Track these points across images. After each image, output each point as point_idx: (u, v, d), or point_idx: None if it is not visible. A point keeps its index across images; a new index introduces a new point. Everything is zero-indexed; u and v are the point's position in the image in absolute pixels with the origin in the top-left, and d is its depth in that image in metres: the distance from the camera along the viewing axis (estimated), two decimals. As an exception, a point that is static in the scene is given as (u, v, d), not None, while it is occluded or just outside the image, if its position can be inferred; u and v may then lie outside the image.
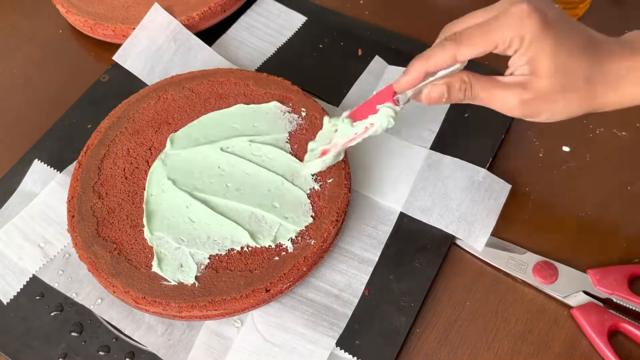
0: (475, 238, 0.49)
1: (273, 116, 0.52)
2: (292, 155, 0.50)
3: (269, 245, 0.46)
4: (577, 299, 0.46)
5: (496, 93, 0.39)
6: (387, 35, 0.62)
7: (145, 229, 0.46)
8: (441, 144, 0.54)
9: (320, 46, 0.62)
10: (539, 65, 0.37)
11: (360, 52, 0.61)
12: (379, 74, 0.59)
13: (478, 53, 0.38)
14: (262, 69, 0.60)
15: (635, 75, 0.37)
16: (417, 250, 0.49)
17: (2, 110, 0.60)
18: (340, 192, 0.48)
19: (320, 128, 0.49)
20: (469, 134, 0.54)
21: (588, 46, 0.37)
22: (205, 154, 0.50)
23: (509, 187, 0.51)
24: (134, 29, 0.60)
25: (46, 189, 0.52)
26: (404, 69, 0.58)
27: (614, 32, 0.61)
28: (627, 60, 0.37)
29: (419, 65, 0.39)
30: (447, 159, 0.52)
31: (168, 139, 0.51)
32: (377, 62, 0.59)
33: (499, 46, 0.37)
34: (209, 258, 0.45)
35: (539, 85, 0.37)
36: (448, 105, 0.56)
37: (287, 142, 0.51)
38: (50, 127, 0.57)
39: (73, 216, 0.48)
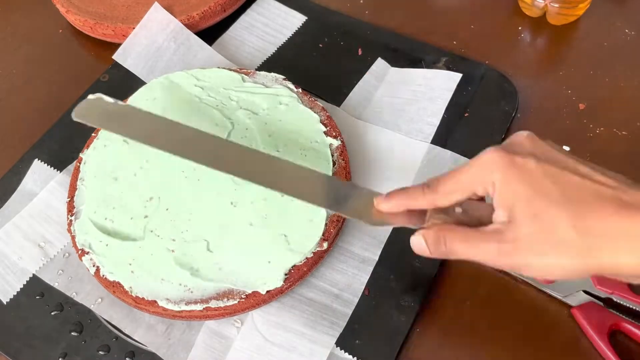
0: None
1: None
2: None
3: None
4: (577, 299, 0.46)
5: (474, 243, 0.35)
6: (387, 35, 0.62)
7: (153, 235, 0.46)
8: (441, 142, 0.54)
9: (320, 46, 0.62)
10: (514, 212, 0.34)
11: (360, 52, 0.61)
12: (381, 75, 0.59)
13: (455, 202, 0.37)
14: (262, 68, 0.60)
15: (626, 239, 0.32)
16: (417, 249, 0.49)
17: (2, 109, 0.60)
18: (340, 191, 0.48)
19: None
20: (469, 133, 0.54)
21: (573, 192, 0.33)
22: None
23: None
24: (134, 28, 0.60)
25: (46, 188, 0.52)
26: (405, 70, 0.59)
27: (614, 32, 0.61)
28: (614, 217, 0.32)
29: (400, 198, 0.39)
30: (448, 153, 0.52)
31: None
32: (380, 63, 0.59)
33: (476, 193, 0.36)
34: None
35: (516, 233, 0.34)
36: (447, 101, 0.56)
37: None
38: (50, 127, 0.57)
39: (73, 215, 0.48)
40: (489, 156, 0.35)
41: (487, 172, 0.35)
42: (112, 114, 0.42)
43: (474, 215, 0.37)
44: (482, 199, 0.38)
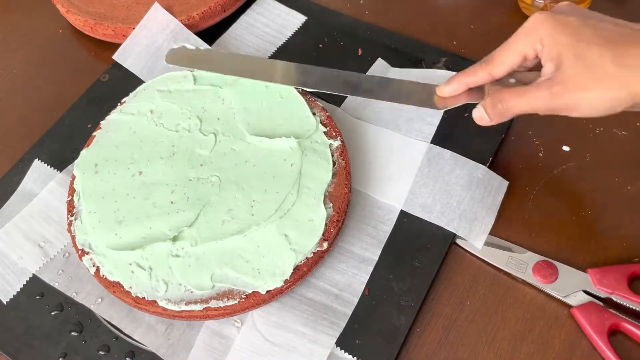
0: (475, 236, 0.49)
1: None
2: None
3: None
4: (577, 299, 0.46)
5: (528, 94, 0.41)
6: (387, 35, 0.62)
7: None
8: (441, 142, 0.54)
9: (320, 46, 0.62)
10: (560, 59, 0.39)
11: (360, 52, 0.61)
12: (382, 76, 0.59)
13: (509, 68, 0.42)
14: (262, 68, 0.60)
15: None
16: (417, 249, 0.49)
17: (2, 109, 0.60)
18: (341, 192, 0.48)
19: None
20: (469, 133, 0.54)
21: (611, 35, 0.39)
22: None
23: (506, 183, 0.51)
24: (134, 28, 0.60)
25: (46, 188, 0.52)
26: (405, 70, 0.59)
27: (614, 32, 0.61)
28: None
29: (461, 77, 0.45)
30: (448, 153, 0.52)
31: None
32: (380, 64, 0.59)
33: (527, 57, 0.41)
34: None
35: (563, 76, 0.39)
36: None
37: None
38: (50, 127, 0.57)
39: (73, 215, 0.48)
40: (534, 19, 0.40)
41: (534, 33, 0.40)
42: (196, 56, 0.53)
43: (525, 83, 0.42)
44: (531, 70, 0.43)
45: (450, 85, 0.45)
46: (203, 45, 0.60)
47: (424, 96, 0.47)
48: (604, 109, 0.39)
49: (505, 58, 0.42)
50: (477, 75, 0.44)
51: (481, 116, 0.44)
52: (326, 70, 0.51)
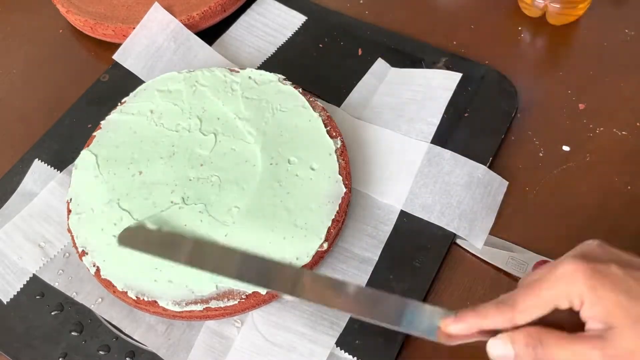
0: (475, 236, 0.49)
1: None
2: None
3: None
4: (577, 299, 0.45)
5: (575, 349, 0.33)
6: (387, 35, 0.62)
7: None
8: (441, 142, 0.54)
9: (320, 46, 0.62)
10: (613, 321, 0.33)
11: (360, 52, 0.61)
12: (382, 76, 0.59)
13: (536, 317, 0.34)
14: (262, 68, 0.60)
15: None
16: (417, 250, 0.49)
17: (2, 110, 0.60)
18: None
19: None
20: (469, 133, 0.54)
21: None
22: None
23: (506, 183, 0.51)
24: (134, 28, 0.60)
25: (46, 188, 0.52)
26: (406, 70, 0.59)
27: (614, 32, 0.61)
28: None
29: (473, 319, 0.36)
30: (448, 154, 0.52)
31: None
32: (380, 63, 0.59)
33: (559, 307, 0.34)
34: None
35: (621, 341, 0.33)
36: (447, 101, 0.56)
37: None
38: (50, 127, 0.57)
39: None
40: (569, 267, 0.34)
41: (571, 284, 0.33)
42: (154, 240, 0.43)
43: (551, 321, 0.34)
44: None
45: (458, 325, 0.36)
46: (203, 45, 0.60)
47: (424, 325, 0.37)
48: None
49: (532, 306, 0.34)
50: (493, 319, 0.35)
51: (506, 355, 0.34)
52: (292, 271, 0.39)
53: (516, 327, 0.35)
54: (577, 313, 0.34)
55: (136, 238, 0.43)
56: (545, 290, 0.34)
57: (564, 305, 0.34)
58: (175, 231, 0.46)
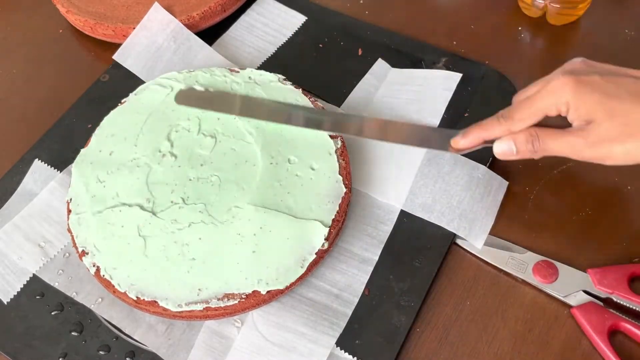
0: (475, 236, 0.49)
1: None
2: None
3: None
4: (577, 299, 0.46)
5: (565, 140, 0.42)
6: (387, 35, 0.62)
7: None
8: (441, 143, 0.54)
9: (320, 46, 0.62)
10: (591, 116, 0.40)
11: (360, 52, 0.61)
12: (382, 76, 0.59)
13: (530, 124, 0.42)
14: (262, 68, 0.60)
15: None
16: (417, 249, 0.49)
17: (2, 110, 0.60)
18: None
19: None
20: (469, 133, 0.54)
21: (636, 89, 0.40)
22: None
23: (506, 183, 0.51)
24: (134, 28, 0.60)
25: (46, 188, 0.52)
26: (406, 70, 0.59)
27: (614, 32, 0.61)
28: None
29: (478, 132, 0.44)
30: (448, 154, 0.52)
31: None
32: (380, 64, 0.59)
33: (549, 114, 0.42)
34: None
35: (599, 130, 0.40)
36: (447, 101, 0.56)
37: None
38: (50, 127, 0.57)
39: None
40: (558, 82, 0.41)
41: (559, 95, 0.41)
42: (206, 96, 0.52)
43: (543, 125, 0.43)
44: None
45: (466, 139, 0.45)
46: (203, 45, 0.60)
47: (437, 140, 0.47)
48: (639, 158, 0.41)
49: (526, 115, 0.42)
50: (494, 130, 0.44)
51: (509, 150, 0.43)
52: (338, 115, 0.52)
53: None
54: (564, 118, 0.42)
55: (190, 97, 0.52)
56: (538, 102, 0.42)
57: (553, 112, 0.42)
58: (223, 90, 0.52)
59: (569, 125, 0.42)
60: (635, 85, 0.41)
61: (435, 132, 0.48)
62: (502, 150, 0.43)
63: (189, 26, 0.61)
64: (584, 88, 0.40)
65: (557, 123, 0.43)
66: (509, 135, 0.43)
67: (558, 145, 0.42)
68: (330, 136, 0.50)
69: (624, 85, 0.41)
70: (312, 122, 0.49)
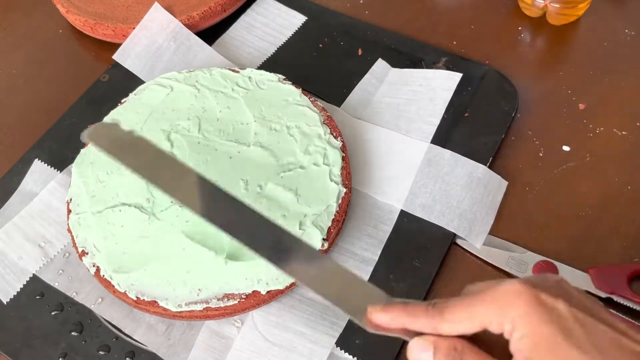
0: (475, 236, 0.49)
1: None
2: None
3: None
4: (577, 299, 0.46)
5: None
6: (387, 35, 0.62)
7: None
8: (441, 142, 0.54)
9: (320, 46, 0.62)
10: (536, 354, 0.29)
11: (360, 52, 0.61)
12: (382, 76, 0.59)
13: (461, 332, 0.31)
14: (262, 68, 0.60)
15: None
16: (417, 249, 0.49)
17: (2, 110, 0.60)
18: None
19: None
20: (469, 133, 0.54)
21: (608, 348, 0.29)
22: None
23: (505, 183, 0.51)
24: (134, 28, 0.60)
25: (46, 188, 0.52)
26: (406, 70, 0.59)
27: (614, 32, 0.61)
28: None
29: (400, 314, 0.33)
30: (448, 153, 0.52)
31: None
32: (380, 64, 0.59)
33: (488, 328, 0.30)
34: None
35: None
36: (447, 101, 0.56)
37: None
38: (50, 127, 0.57)
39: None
40: (512, 288, 0.30)
41: (507, 305, 0.30)
42: (123, 142, 0.39)
43: (484, 341, 0.32)
44: None
45: (384, 315, 0.33)
46: (203, 45, 0.60)
47: (353, 304, 0.35)
48: None
49: (459, 320, 0.31)
50: (419, 320, 0.32)
51: (424, 354, 0.32)
52: (256, 216, 0.36)
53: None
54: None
55: (105, 136, 0.39)
56: (478, 306, 0.31)
57: (493, 327, 0.30)
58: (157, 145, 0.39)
59: None
60: (613, 343, 0.29)
61: (353, 286, 0.36)
62: (418, 350, 0.32)
63: (189, 26, 0.61)
64: (540, 310, 0.29)
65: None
66: (431, 339, 0.32)
67: None
68: (333, 136, 0.50)
69: (595, 335, 0.29)
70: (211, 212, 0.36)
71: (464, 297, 0.32)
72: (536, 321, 0.29)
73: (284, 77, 0.55)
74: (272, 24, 0.64)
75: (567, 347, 0.28)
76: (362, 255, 0.49)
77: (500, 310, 0.30)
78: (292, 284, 0.45)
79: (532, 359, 0.29)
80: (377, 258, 0.48)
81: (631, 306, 0.45)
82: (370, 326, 0.34)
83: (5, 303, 0.48)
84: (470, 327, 0.31)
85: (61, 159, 0.54)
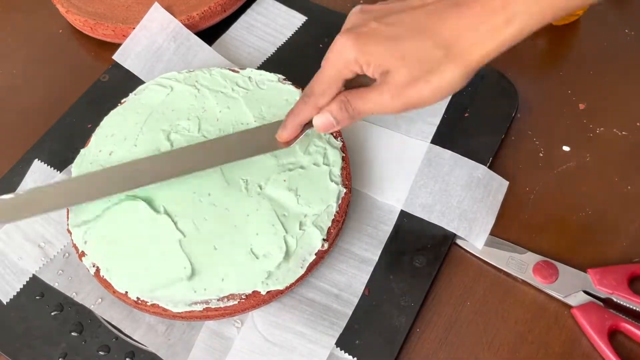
0: (475, 236, 0.49)
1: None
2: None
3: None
4: (577, 299, 0.46)
5: (370, 97, 0.39)
6: (387, 35, 0.62)
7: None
8: (441, 142, 0.54)
9: (320, 46, 0.62)
10: (387, 66, 0.38)
11: (360, 52, 0.61)
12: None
13: (334, 93, 0.40)
14: (262, 68, 0.60)
15: (479, 29, 0.36)
16: (417, 250, 0.49)
17: (2, 110, 0.60)
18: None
19: None
20: (469, 134, 0.54)
21: (417, 23, 0.37)
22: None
23: (506, 183, 0.51)
24: (134, 28, 0.60)
25: (46, 188, 0.52)
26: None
27: (614, 32, 0.61)
28: (461, 20, 0.37)
29: (292, 119, 0.43)
30: (448, 153, 0.52)
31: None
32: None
33: (347, 77, 0.40)
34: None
35: (398, 78, 0.38)
36: (448, 99, 0.56)
37: None
38: (50, 127, 0.57)
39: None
40: (339, 43, 0.39)
41: (345, 56, 0.38)
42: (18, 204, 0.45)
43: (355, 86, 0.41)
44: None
45: (286, 130, 0.43)
46: (203, 45, 0.60)
47: (266, 142, 0.45)
48: (449, 89, 0.38)
49: (325, 86, 0.40)
50: (305, 111, 0.42)
51: (328, 121, 0.41)
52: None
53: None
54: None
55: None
56: (328, 69, 0.40)
57: (348, 75, 0.39)
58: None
59: None
60: (412, 18, 0.38)
61: (260, 133, 0.46)
62: (322, 122, 0.41)
63: (189, 26, 0.61)
64: (365, 40, 0.38)
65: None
66: (325, 108, 0.41)
67: (366, 104, 0.40)
68: (333, 136, 0.50)
69: (403, 24, 0.38)
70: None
71: (317, 73, 0.41)
72: (367, 47, 0.38)
73: (284, 77, 0.55)
74: (272, 24, 0.64)
75: (396, 44, 0.37)
76: (362, 255, 0.49)
77: (344, 63, 0.39)
78: (292, 284, 0.45)
79: (383, 68, 0.38)
80: (377, 258, 0.48)
81: (631, 306, 0.45)
82: (285, 145, 0.44)
83: (5, 303, 0.48)
84: (336, 87, 0.40)
85: (61, 159, 0.54)
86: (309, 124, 0.43)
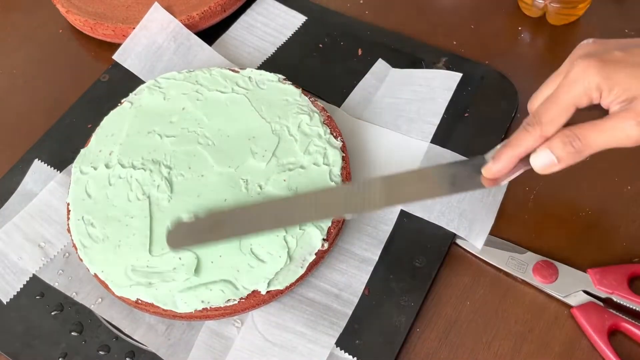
0: (475, 236, 0.49)
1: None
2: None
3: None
4: (577, 299, 0.46)
5: (610, 126, 0.36)
6: (387, 35, 0.62)
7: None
8: (441, 142, 0.54)
9: (320, 46, 0.62)
10: (633, 92, 0.36)
11: (360, 52, 0.61)
12: (382, 76, 0.59)
13: (563, 122, 0.37)
14: (262, 68, 0.60)
15: None
16: (417, 249, 0.49)
17: (2, 110, 0.60)
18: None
19: None
20: (469, 134, 0.54)
21: None
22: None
23: (506, 183, 0.51)
24: (134, 28, 0.60)
25: (46, 188, 0.52)
26: (406, 70, 0.59)
27: (614, 32, 0.61)
28: None
29: (508, 151, 0.39)
30: (448, 153, 0.52)
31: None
32: (380, 64, 0.59)
33: (580, 106, 0.37)
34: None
35: None
36: (447, 101, 0.56)
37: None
38: (50, 127, 0.57)
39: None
40: (581, 67, 0.36)
41: (587, 80, 0.36)
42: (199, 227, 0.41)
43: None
44: None
45: (498, 163, 0.39)
46: (203, 45, 0.60)
47: (465, 179, 0.40)
48: None
49: (556, 114, 0.37)
50: (526, 142, 0.38)
51: (549, 161, 0.37)
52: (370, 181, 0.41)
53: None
54: (595, 107, 0.37)
55: (182, 236, 0.40)
56: (564, 95, 0.37)
57: (584, 103, 0.37)
58: (213, 211, 0.41)
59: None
60: None
61: (459, 168, 0.40)
62: (543, 163, 0.38)
63: (189, 26, 0.61)
64: (610, 67, 0.36)
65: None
66: (544, 145, 0.37)
67: (605, 136, 0.36)
68: (333, 136, 0.50)
69: (635, 54, 0.36)
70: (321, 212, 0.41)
71: (545, 102, 0.38)
72: (613, 74, 0.36)
73: (284, 77, 0.55)
74: (272, 24, 0.64)
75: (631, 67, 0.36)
76: (362, 255, 0.49)
77: (585, 85, 0.36)
78: (292, 284, 0.45)
79: (630, 94, 0.35)
80: (377, 258, 0.48)
81: (631, 306, 0.45)
82: (490, 183, 0.39)
83: (5, 303, 0.48)
84: (567, 115, 0.37)
85: (61, 159, 0.54)
86: (524, 160, 0.38)
